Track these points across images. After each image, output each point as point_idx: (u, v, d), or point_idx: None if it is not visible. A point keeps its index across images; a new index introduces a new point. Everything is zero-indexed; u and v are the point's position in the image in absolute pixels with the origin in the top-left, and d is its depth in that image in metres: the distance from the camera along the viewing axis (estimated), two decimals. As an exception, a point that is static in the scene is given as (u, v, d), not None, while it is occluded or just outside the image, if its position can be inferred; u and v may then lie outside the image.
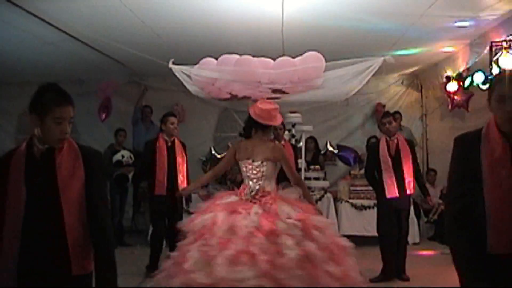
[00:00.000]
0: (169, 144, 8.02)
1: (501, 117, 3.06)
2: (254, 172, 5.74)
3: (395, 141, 7.72)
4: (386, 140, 7.79)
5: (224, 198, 5.63)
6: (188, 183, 8.02)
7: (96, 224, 3.11)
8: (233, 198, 5.63)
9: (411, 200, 7.75)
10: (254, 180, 5.71)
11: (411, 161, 7.65)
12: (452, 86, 9.95)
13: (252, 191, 5.60)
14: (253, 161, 5.77)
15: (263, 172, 5.72)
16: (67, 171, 3.04)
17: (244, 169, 5.82)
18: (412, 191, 7.69)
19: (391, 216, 7.67)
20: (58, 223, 2.97)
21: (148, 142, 8.33)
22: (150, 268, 7.87)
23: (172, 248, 7.93)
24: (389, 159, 7.68)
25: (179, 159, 8.00)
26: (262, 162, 5.73)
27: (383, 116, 8.01)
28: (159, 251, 8.01)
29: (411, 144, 7.93)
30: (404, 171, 7.60)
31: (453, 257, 3.18)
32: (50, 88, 3.11)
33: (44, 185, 3.01)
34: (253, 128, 6.01)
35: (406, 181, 7.58)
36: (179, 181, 7.92)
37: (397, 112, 11.78)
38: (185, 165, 8.13)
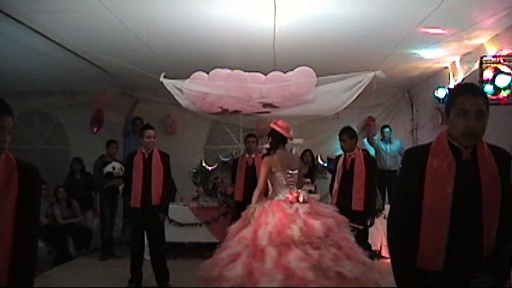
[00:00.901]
0: (146, 156, 7.88)
1: (459, 131, 3.06)
2: (292, 179, 6.47)
3: (352, 156, 7.73)
4: (344, 155, 7.85)
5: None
6: (163, 195, 7.92)
7: (19, 241, 2.98)
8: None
9: (367, 216, 7.70)
10: (291, 186, 6.40)
11: (364, 178, 7.61)
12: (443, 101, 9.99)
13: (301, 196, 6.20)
14: (292, 170, 6.50)
15: (296, 178, 6.54)
16: (1, 184, 2.93)
17: (283, 178, 6.42)
18: (360, 208, 7.52)
19: None
20: None
21: (129, 156, 8.28)
22: (131, 281, 7.88)
23: (154, 260, 7.94)
24: (340, 174, 7.76)
25: (155, 172, 7.86)
26: (295, 170, 6.55)
27: (339, 133, 7.97)
28: (138, 264, 7.96)
29: (370, 161, 7.88)
30: (353, 187, 7.60)
31: (392, 270, 3.23)
32: None
33: None
34: (278, 142, 6.64)
35: (355, 196, 7.56)
36: (152, 194, 7.82)
37: (387, 126, 11.85)
38: (163, 177, 7.95)
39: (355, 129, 8.10)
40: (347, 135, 7.78)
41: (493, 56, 7.71)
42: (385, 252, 10.14)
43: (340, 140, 7.86)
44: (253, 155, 9.45)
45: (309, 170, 11.31)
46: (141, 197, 7.79)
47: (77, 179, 11.14)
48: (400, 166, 3.36)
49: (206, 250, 10.14)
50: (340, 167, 7.81)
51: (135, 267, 7.93)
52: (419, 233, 3.08)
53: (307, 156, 11.47)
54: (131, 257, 8.02)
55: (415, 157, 3.23)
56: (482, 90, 3.21)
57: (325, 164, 12.26)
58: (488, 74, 7.55)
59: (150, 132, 7.92)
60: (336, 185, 7.82)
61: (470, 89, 3.13)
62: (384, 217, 10.07)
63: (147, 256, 8.13)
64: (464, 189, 3.03)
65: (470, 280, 2.97)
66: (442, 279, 3.03)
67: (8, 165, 3.00)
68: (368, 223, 7.74)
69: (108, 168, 10.26)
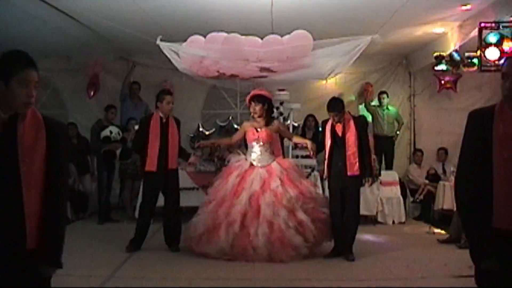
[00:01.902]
0: (164, 121, 7.90)
1: None
2: None
3: (342, 121, 7.54)
4: (333, 121, 7.63)
5: None
6: (177, 161, 8.02)
7: (50, 198, 3.01)
8: None
9: (360, 181, 7.66)
10: None
11: (356, 142, 7.49)
12: (441, 67, 9.98)
13: None
14: None
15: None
16: (28, 142, 2.93)
17: None
18: (356, 172, 7.47)
19: (336, 195, 7.59)
20: (15, 195, 2.87)
21: (143, 119, 8.29)
22: (133, 242, 7.89)
23: (172, 223, 7.99)
24: (330, 141, 7.62)
25: (171, 137, 7.90)
26: None
27: (327, 107, 7.61)
28: (145, 226, 8.00)
29: (360, 124, 7.70)
30: (347, 152, 7.49)
31: (465, 232, 3.23)
32: (16, 52, 3.00)
33: (4, 155, 2.90)
34: None
35: (348, 162, 7.47)
36: (170, 158, 7.86)
37: (384, 92, 11.84)
38: (177, 143, 8.04)
39: (342, 100, 7.90)
40: (337, 110, 7.48)
41: (492, 22, 7.68)
42: (380, 218, 10.20)
43: (329, 115, 7.60)
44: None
45: (313, 135, 11.27)
46: (158, 161, 7.82)
47: (73, 144, 11.11)
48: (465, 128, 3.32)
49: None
50: (329, 135, 7.65)
51: (143, 230, 7.96)
52: (491, 193, 3.08)
53: (310, 121, 11.38)
54: (141, 219, 8.03)
55: (481, 119, 3.21)
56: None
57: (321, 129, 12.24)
58: (491, 38, 7.52)
59: (171, 97, 7.90)
60: (327, 151, 7.68)
61: None
62: (381, 183, 10.10)
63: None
64: None
65: None
66: None
67: (35, 122, 3.01)
68: (369, 182, 7.81)
69: (106, 132, 10.22)
